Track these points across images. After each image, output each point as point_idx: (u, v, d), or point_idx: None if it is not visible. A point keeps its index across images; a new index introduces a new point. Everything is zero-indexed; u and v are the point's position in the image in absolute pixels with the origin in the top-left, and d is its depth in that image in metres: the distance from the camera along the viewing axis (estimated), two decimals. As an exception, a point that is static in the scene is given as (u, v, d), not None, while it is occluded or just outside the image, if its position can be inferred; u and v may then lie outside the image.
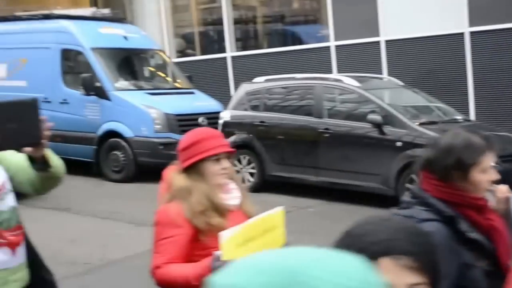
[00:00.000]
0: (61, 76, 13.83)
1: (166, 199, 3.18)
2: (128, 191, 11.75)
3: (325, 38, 16.33)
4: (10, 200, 3.11)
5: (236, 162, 11.61)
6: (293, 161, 11.04)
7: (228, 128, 11.79)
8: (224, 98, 14.55)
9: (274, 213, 3.10)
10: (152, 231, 8.85)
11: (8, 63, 14.59)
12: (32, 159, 2.97)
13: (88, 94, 13.12)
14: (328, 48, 16.07)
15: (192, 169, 3.15)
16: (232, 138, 11.66)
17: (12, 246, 3.08)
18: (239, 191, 3.29)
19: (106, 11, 15.92)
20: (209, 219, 3.07)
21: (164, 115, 12.75)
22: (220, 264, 2.77)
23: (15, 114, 2.76)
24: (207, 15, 19.18)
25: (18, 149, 2.95)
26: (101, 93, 13.10)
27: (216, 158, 3.15)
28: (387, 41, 15.25)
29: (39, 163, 2.97)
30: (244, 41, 18.50)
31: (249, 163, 11.59)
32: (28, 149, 2.89)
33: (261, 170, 11.33)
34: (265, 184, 11.27)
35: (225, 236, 2.78)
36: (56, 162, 3.05)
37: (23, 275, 3.16)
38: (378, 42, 15.40)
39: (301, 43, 17.09)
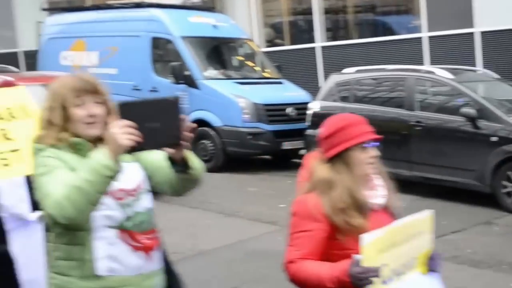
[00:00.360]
0: (151, 64, 13.99)
1: (305, 189, 2.95)
2: (217, 180, 11.74)
3: (417, 29, 16.00)
4: (146, 201, 2.97)
5: (325, 154, 11.52)
6: (384, 154, 10.71)
7: (317, 119, 11.66)
8: (312, 88, 14.42)
9: (422, 217, 2.90)
10: (241, 223, 8.82)
11: (100, 51, 14.88)
12: (172, 160, 2.86)
13: (177, 83, 13.21)
14: (420, 39, 15.72)
15: (337, 159, 2.91)
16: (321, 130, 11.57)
17: (147, 250, 2.94)
18: (385, 188, 3.03)
19: (196, 0, 16.00)
20: (350, 218, 2.84)
21: (253, 104, 12.71)
22: (359, 270, 2.61)
23: (156, 113, 2.64)
24: (297, 4, 19.06)
25: (159, 149, 2.83)
26: (190, 82, 13.17)
27: (363, 146, 2.93)
28: (482, 33, 14.79)
29: (179, 164, 2.86)
30: (333, 31, 18.28)
31: (338, 155, 11.42)
32: (169, 149, 2.79)
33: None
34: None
35: (366, 240, 2.59)
36: (196, 164, 2.93)
37: (158, 281, 3.03)
38: (472, 34, 14.96)
39: (392, 33, 16.77)
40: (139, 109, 2.66)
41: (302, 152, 12.76)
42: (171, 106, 2.68)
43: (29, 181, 4.55)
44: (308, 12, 17.82)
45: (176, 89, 13.24)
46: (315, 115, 11.79)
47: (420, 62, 14.89)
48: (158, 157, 2.98)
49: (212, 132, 12.82)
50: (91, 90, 2.88)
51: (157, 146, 2.74)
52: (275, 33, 19.05)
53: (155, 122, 2.62)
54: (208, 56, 14.22)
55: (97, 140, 2.86)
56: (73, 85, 2.87)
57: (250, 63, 15.16)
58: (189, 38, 13.80)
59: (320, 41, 17.38)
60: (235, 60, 15.21)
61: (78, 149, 2.86)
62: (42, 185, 2.75)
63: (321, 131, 2.98)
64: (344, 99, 11.65)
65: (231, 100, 12.81)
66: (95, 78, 2.96)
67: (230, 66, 14.75)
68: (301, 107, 12.70)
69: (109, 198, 2.81)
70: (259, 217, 9.05)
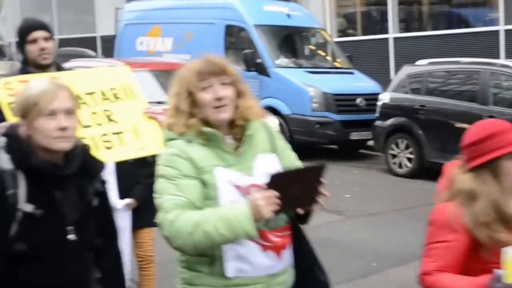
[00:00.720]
0: (223, 52, 14.13)
1: (444, 197, 2.76)
2: (283, 168, 11.87)
3: (494, 22, 15.67)
4: None
5: (393, 146, 11.47)
6: (454, 148, 10.61)
7: (387, 111, 11.65)
8: (383, 79, 14.31)
9: None
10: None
11: (174, 37, 15.17)
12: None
13: (248, 70, 13.33)
14: (496, 32, 15.40)
15: (484, 168, 2.68)
16: (390, 121, 11.54)
17: (278, 249, 2.76)
18: None
19: (270, -11, 16.05)
20: (495, 233, 2.60)
21: (322, 94, 12.74)
22: (501, 287, 2.44)
23: (301, 180, 2.61)
24: (371, -5, 18.94)
25: (294, 210, 2.73)
26: (262, 70, 13.30)
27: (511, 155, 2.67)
28: None
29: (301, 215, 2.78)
30: (407, 23, 18.08)
31: (407, 147, 11.35)
32: (299, 210, 2.74)
33: (420, 155, 11.07)
34: (423, 171, 11.01)
35: (509, 253, 2.41)
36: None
37: (288, 277, 2.87)
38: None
39: (467, 26, 16.47)
40: (287, 178, 2.60)
41: (370, 143, 12.75)
42: (316, 173, 2.63)
43: (118, 168, 4.54)
44: (382, 2, 17.64)
45: (247, 77, 13.39)
46: (384, 106, 11.76)
47: (496, 56, 14.57)
48: (290, 161, 2.90)
49: (280, 120, 12.90)
50: (218, 72, 2.72)
51: (294, 208, 2.69)
52: (347, 23, 18.97)
53: (298, 188, 2.58)
54: (280, 45, 14.32)
55: (229, 125, 2.76)
56: (198, 68, 2.73)
57: (321, 53, 15.19)
58: (263, 27, 13.91)
59: (393, 32, 17.22)
60: (307, 49, 15.26)
61: (208, 140, 2.72)
62: (162, 191, 2.68)
63: (466, 137, 2.76)
64: (415, 91, 11.54)
65: (300, 89, 12.86)
66: (222, 58, 2.81)
67: (301, 55, 14.81)
68: (371, 97, 12.66)
69: (239, 194, 2.69)
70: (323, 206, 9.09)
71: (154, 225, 4.86)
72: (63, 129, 2.51)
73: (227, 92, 2.72)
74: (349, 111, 12.79)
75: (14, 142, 2.55)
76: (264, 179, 2.63)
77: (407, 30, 17.56)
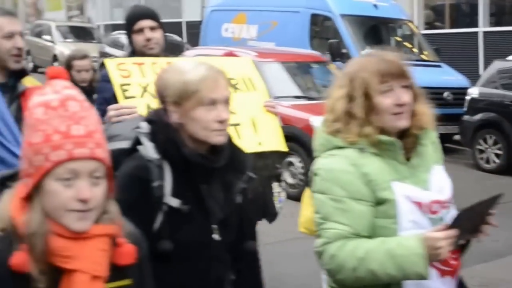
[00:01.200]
0: (308, 40, 14.13)
1: None
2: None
3: None
4: (454, 212, 2.46)
5: (481, 141, 11.26)
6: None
7: (476, 105, 11.44)
8: (471, 74, 14.02)
9: None
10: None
11: (259, 24, 15.24)
12: None
13: (334, 60, 13.27)
14: None
15: None
16: (478, 116, 11.31)
17: (454, 273, 2.48)
18: None
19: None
20: None
21: (409, 86, 12.56)
22: None
23: (477, 213, 2.41)
24: (461, -13, 18.53)
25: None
26: (347, 60, 13.14)
27: None
28: None
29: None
30: (498, 16, 17.62)
31: (495, 143, 11.13)
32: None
33: (509, 151, 10.86)
34: (511, 167, 10.78)
35: None
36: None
37: None
38: None
39: (562, 21, 15.96)
40: (468, 215, 2.38)
41: (455, 137, 12.54)
42: (490, 204, 2.40)
43: None
44: (472, -5, 17.29)
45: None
46: (473, 101, 11.59)
47: None
48: None
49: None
50: (398, 73, 2.40)
51: (461, 241, 2.44)
52: (434, 16, 18.65)
53: (472, 221, 2.41)
54: (366, 35, 14.21)
55: (399, 133, 2.44)
56: (377, 68, 2.39)
57: (408, 45, 15.00)
58: (349, 17, 13.85)
59: (482, 26, 16.82)
60: (393, 40, 15.09)
61: (384, 150, 2.41)
62: (326, 215, 2.38)
63: None
64: (505, 86, 11.36)
65: (385, 81, 12.72)
66: (399, 58, 2.49)
67: (387, 46, 14.62)
68: (459, 92, 12.45)
69: (420, 213, 2.39)
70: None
71: (260, 218, 4.98)
72: (222, 121, 2.32)
73: (408, 97, 2.42)
74: (436, 105, 12.53)
75: (163, 130, 2.32)
76: (443, 195, 2.44)
77: (497, 24, 17.12)
